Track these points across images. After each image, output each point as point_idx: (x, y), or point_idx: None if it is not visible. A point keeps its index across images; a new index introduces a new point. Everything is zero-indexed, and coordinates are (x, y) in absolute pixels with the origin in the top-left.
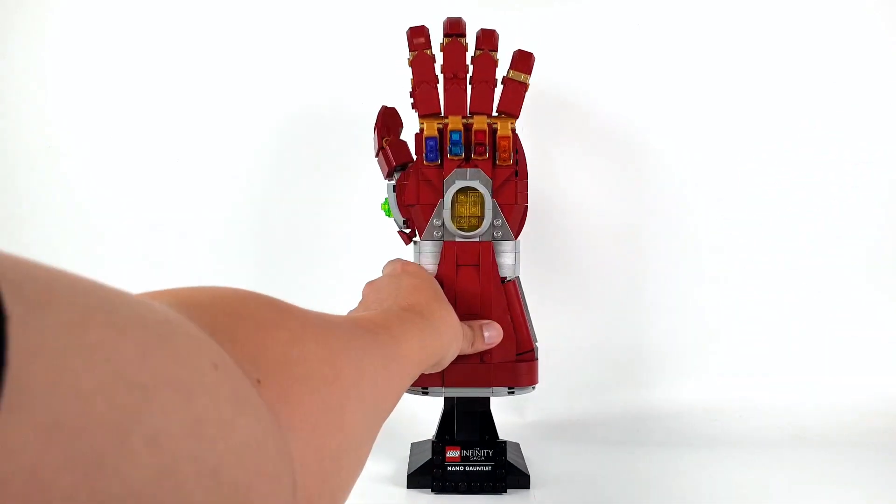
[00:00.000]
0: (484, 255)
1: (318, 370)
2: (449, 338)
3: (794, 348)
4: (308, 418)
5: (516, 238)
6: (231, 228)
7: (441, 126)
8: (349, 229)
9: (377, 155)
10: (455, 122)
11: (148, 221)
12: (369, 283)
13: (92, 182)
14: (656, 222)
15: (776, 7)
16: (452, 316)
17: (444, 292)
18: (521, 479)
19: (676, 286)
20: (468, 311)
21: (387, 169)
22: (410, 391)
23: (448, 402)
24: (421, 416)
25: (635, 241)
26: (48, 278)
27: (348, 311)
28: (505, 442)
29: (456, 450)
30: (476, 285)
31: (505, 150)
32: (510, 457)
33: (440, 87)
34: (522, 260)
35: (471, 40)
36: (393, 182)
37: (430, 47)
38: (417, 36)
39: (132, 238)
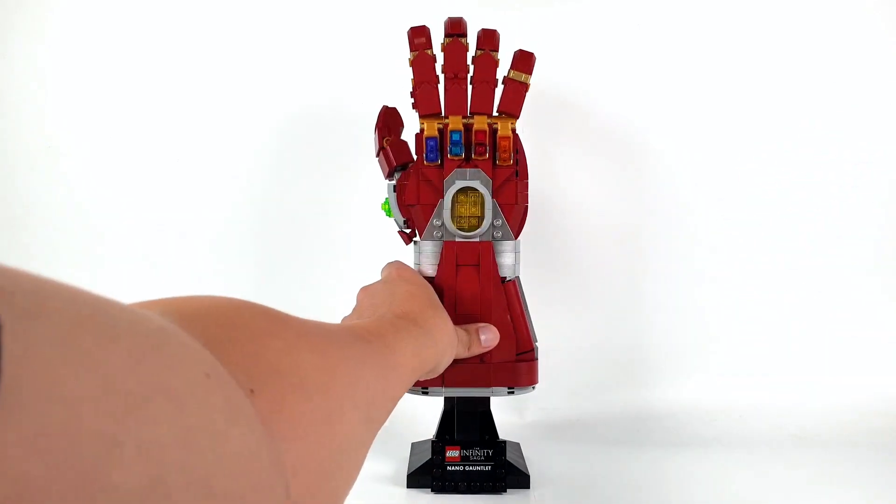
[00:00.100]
0: (484, 255)
1: (312, 379)
2: (444, 345)
3: (794, 348)
4: (301, 427)
5: (516, 238)
6: (231, 228)
7: (441, 126)
8: (349, 229)
9: (378, 155)
10: (455, 122)
11: (148, 221)
12: (364, 289)
13: (92, 182)
14: (656, 222)
15: (776, 7)
16: (447, 323)
17: (444, 292)
18: (521, 479)
19: (676, 286)
20: (468, 312)
21: (387, 169)
22: (411, 391)
23: (448, 401)
24: (421, 415)
25: (635, 241)
26: (39, 287)
27: (343, 316)
28: (505, 442)
29: (456, 449)
30: (476, 285)
31: (505, 151)
32: (510, 457)
33: (441, 87)
34: (522, 260)
35: (472, 40)
36: (393, 182)
37: (430, 47)
38: (418, 36)
39: (132, 238)
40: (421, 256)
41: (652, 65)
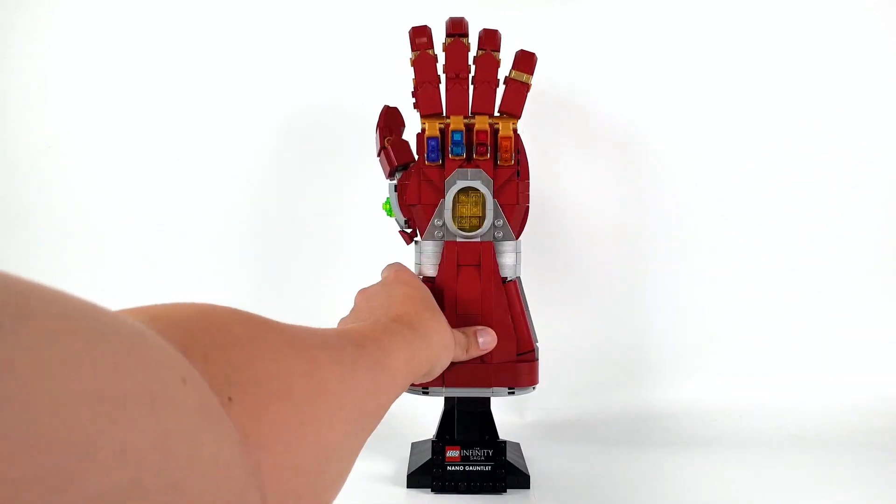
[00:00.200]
0: (485, 256)
1: (297, 385)
2: (439, 348)
3: (794, 348)
4: (283, 434)
5: (517, 238)
6: (231, 228)
7: (443, 126)
8: (350, 229)
9: (379, 154)
10: (457, 122)
11: (148, 221)
12: (361, 291)
13: (92, 182)
14: (656, 222)
15: (776, 7)
16: (444, 326)
17: (445, 293)
18: (521, 479)
19: (676, 286)
20: (469, 312)
21: (388, 168)
22: (411, 391)
23: (448, 401)
24: (421, 415)
25: (635, 241)
26: (21, 289)
27: (340, 318)
28: (505, 442)
29: (456, 449)
30: (477, 285)
31: (506, 151)
32: (510, 457)
33: (442, 87)
34: (523, 260)
35: (473, 40)
36: (394, 182)
37: (432, 47)
38: (420, 36)
39: (132, 238)
40: (422, 256)
41: (652, 65)
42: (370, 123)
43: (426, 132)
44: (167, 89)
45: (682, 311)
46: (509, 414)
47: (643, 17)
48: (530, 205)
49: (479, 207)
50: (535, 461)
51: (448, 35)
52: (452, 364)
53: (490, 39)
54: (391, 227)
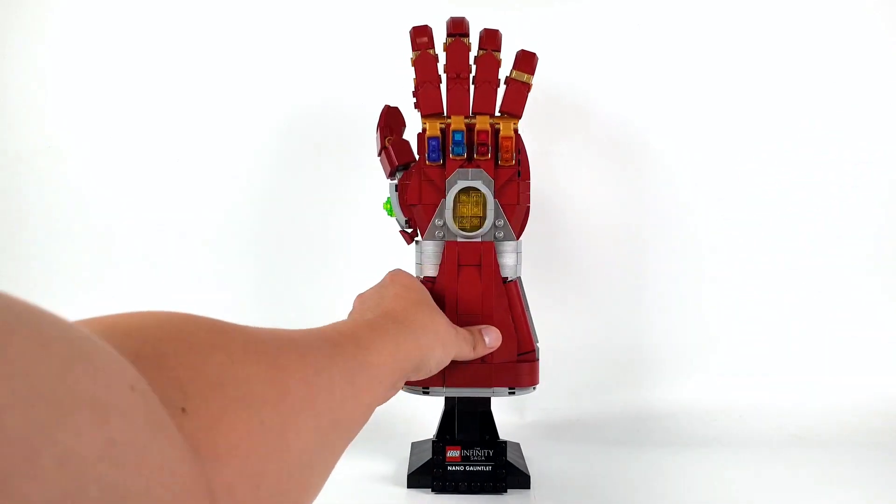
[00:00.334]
0: (486, 256)
1: (259, 392)
2: (429, 342)
3: (795, 348)
4: (243, 444)
5: (518, 238)
6: (231, 228)
7: (444, 126)
8: (351, 229)
9: (379, 154)
10: (458, 122)
11: (148, 221)
12: (359, 296)
13: (92, 182)
14: (656, 222)
15: (776, 7)
16: (439, 322)
17: (446, 293)
18: (521, 479)
19: (676, 286)
20: (470, 312)
21: (389, 168)
22: (410, 391)
23: (449, 401)
24: (421, 415)
25: (635, 241)
26: None
27: (340, 318)
28: (505, 442)
29: (456, 449)
30: (478, 285)
31: (507, 151)
32: (510, 457)
33: (443, 86)
34: (524, 260)
35: (474, 40)
36: (395, 182)
37: (433, 47)
38: (420, 35)
39: (132, 238)
40: (423, 256)
41: (652, 65)
42: (371, 123)
43: (427, 132)
44: (167, 89)
45: (682, 311)
46: (509, 414)
47: (643, 17)
48: (531, 205)
49: (480, 207)
50: (535, 461)
51: (449, 35)
52: (457, 363)
53: (491, 39)
54: (392, 226)
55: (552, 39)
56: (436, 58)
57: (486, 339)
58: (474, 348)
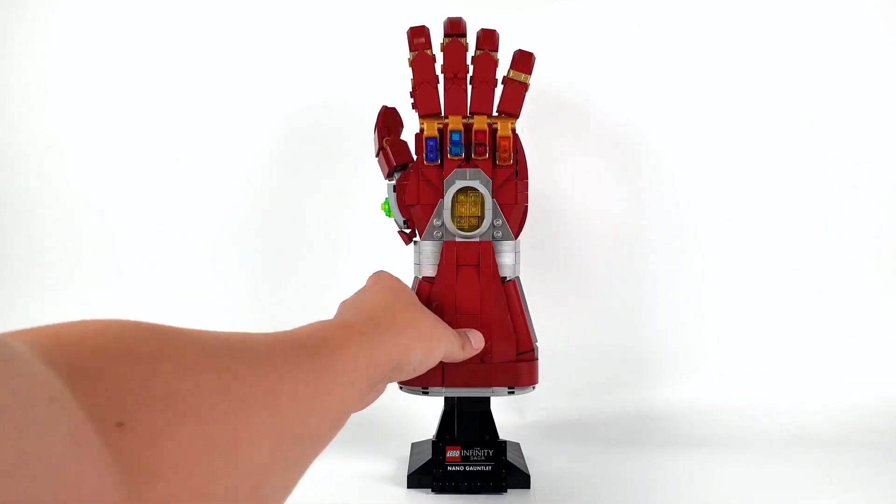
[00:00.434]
0: (484, 255)
1: (210, 402)
2: (409, 341)
3: (795, 348)
4: (186, 459)
5: (516, 238)
6: (231, 228)
7: (441, 126)
8: (349, 229)
9: (377, 155)
10: (455, 123)
11: (148, 221)
12: (342, 302)
13: (92, 182)
14: (656, 222)
15: (776, 7)
16: (421, 320)
17: (445, 292)
18: (521, 479)
19: (676, 286)
20: (468, 312)
21: (387, 169)
22: (411, 391)
23: (448, 401)
24: (421, 415)
25: (635, 241)
26: None
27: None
28: (505, 442)
29: (456, 450)
30: (476, 285)
31: (505, 151)
32: (510, 457)
33: (440, 87)
34: (522, 260)
35: (471, 40)
36: (393, 182)
37: (430, 47)
38: (418, 36)
39: (132, 238)
40: (421, 256)
41: (651, 65)
42: (369, 124)
43: (425, 132)
44: (167, 89)
45: (682, 311)
46: (509, 414)
47: (643, 17)
48: (529, 204)
49: (478, 207)
50: (535, 461)
51: (446, 35)
52: (457, 363)
53: (488, 39)
54: (390, 227)
55: (551, 39)
56: (433, 58)
57: (472, 339)
58: (462, 348)
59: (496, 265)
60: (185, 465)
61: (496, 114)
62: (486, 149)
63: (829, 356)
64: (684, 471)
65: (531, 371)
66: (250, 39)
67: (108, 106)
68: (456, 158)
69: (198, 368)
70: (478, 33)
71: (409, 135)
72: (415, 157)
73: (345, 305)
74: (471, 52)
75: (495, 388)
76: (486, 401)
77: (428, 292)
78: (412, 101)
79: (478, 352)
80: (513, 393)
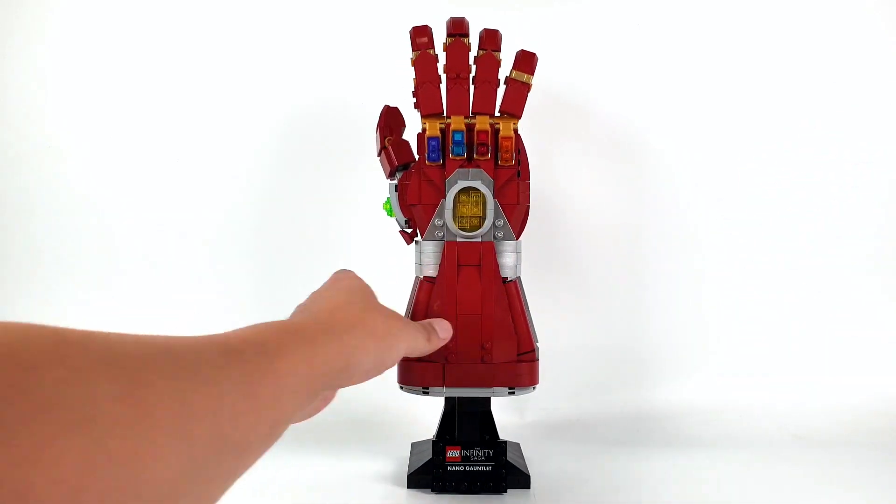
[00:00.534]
0: (485, 256)
1: (109, 412)
2: (358, 341)
3: (795, 348)
4: (73, 477)
5: (518, 238)
6: (231, 228)
7: (443, 126)
8: (351, 229)
9: (379, 154)
10: (457, 122)
11: (148, 221)
12: (299, 304)
13: (92, 182)
14: (656, 222)
15: (776, 7)
16: (372, 318)
17: (445, 293)
18: (521, 479)
19: (676, 286)
20: (469, 312)
21: (389, 168)
22: (411, 391)
23: (448, 401)
24: (421, 415)
25: (635, 241)
26: None
27: None
28: (505, 442)
29: (456, 450)
30: (477, 285)
31: (507, 151)
32: (510, 457)
33: (443, 86)
34: (524, 260)
35: (474, 40)
36: (395, 182)
37: (432, 47)
38: (420, 35)
39: (132, 238)
40: (422, 256)
41: (652, 65)
42: (371, 123)
43: (427, 132)
44: (167, 89)
45: (682, 311)
46: (509, 414)
47: (643, 18)
48: (531, 205)
49: (480, 207)
50: (535, 461)
51: (449, 35)
52: (457, 364)
53: (491, 39)
54: (391, 227)
55: (552, 39)
56: (436, 58)
57: (438, 331)
58: (428, 340)
59: (497, 265)
60: (69, 483)
61: (498, 114)
62: (488, 149)
63: (829, 356)
64: (684, 471)
65: (532, 371)
66: (250, 39)
67: (108, 106)
68: (458, 158)
69: (96, 375)
70: (480, 33)
71: (411, 134)
72: (416, 157)
73: (298, 308)
74: (473, 52)
75: (496, 389)
76: (487, 401)
77: (429, 292)
78: (414, 100)
79: (446, 342)
80: (513, 393)
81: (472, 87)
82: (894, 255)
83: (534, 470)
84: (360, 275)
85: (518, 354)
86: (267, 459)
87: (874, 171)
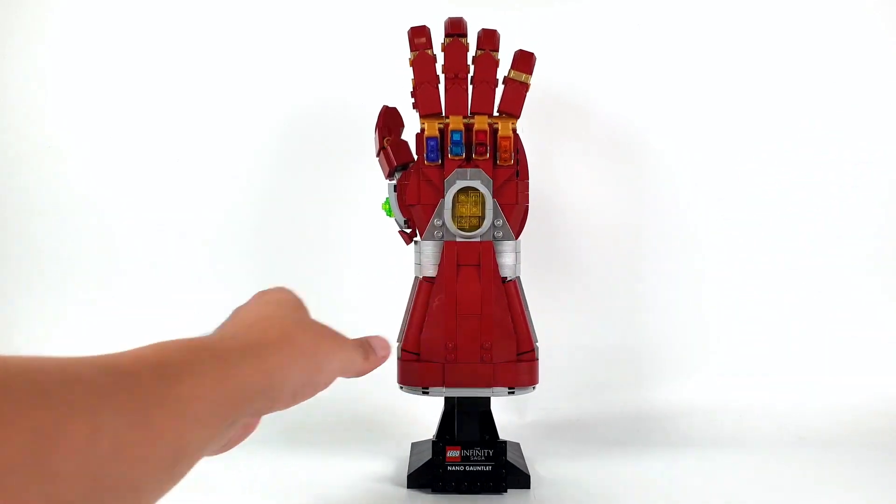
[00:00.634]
0: (485, 255)
1: None
2: (281, 362)
3: (794, 348)
4: None
5: (517, 238)
6: (231, 228)
7: (442, 126)
8: (350, 229)
9: (378, 155)
10: (456, 122)
11: (148, 221)
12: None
13: (92, 182)
14: (656, 222)
15: (776, 7)
16: (298, 338)
17: (445, 293)
18: (521, 479)
19: (676, 286)
20: (469, 312)
21: (388, 169)
22: (411, 391)
23: (448, 401)
24: (421, 415)
25: (635, 241)
26: None
27: (339, 319)
28: (505, 442)
29: (456, 450)
30: (477, 285)
31: (506, 151)
32: (510, 457)
33: (441, 87)
34: (523, 260)
35: (472, 40)
36: (394, 182)
37: (431, 47)
38: (419, 36)
39: (132, 238)
40: (422, 257)
41: (652, 65)
42: (369, 123)
43: (425, 132)
44: (167, 89)
45: (682, 311)
46: (509, 414)
47: (643, 17)
48: (530, 204)
49: (479, 207)
50: (535, 461)
51: (447, 35)
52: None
53: (489, 39)
54: (391, 227)
55: (552, 39)
56: (434, 58)
57: (376, 349)
58: (366, 358)
59: (497, 265)
60: None
61: (497, 114)
62: (486, 149)
63: (829, 356)
64: (684, 471)
65: (531, 371)
66: (250, 39)
67: (108, 106)
68: (457, 158)
69: None
70: (479, 33)
71: (409, 135)
72: (415, 157)
73: (220, 325)
74: (472, 52)
75: (495, 389)
76: (487, 401)
77: (428, 292)
78: (413, 100)
79: (385, 360)
80: (513, 393)
81: (470, 88)
82: (894, 255)
83: (534, 470)
84: (358, 275)
85: (518, 354)
86: (267, 459)
87: (874, 171)
